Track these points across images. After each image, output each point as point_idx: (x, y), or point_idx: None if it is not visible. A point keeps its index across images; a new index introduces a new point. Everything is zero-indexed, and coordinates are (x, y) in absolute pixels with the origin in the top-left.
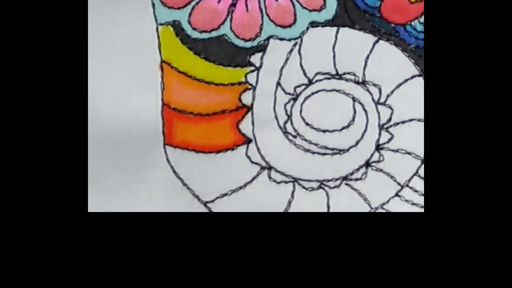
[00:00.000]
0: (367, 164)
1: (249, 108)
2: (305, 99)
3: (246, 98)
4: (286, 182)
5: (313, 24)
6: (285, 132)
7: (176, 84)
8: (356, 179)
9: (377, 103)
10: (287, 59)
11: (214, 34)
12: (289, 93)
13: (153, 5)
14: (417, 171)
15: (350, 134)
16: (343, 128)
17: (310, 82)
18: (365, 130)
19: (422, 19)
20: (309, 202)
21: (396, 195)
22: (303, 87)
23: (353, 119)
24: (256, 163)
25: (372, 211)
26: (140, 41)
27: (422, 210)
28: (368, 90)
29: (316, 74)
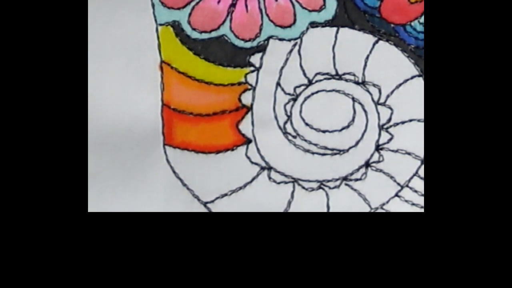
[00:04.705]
0: (367, 164)
1: (249, 109)
2: (305, 99)
3: (246, 99)
4: (286, 183)
5: (313, 24)
6: (285, 133)
7: (176, 84)
8: (356, 180)
9: (377, 103)
10: (287, 59)
11: (214, 34)
12: (289, 94)
13: (153, 5)
14: (417, 171)
15: (350, 134)
16: (343, 128)
17: (310, 83)
18: (365, 131)
19: (422, 19)
20: (309, 202)
21: (396, 195)
22: (303, 87)
23: (353, 120)
24: (256, 164)
25: (372, 211)
26: (140, 41)
27: (422, 210)
28: (368, 91)
29: (316, 74)
